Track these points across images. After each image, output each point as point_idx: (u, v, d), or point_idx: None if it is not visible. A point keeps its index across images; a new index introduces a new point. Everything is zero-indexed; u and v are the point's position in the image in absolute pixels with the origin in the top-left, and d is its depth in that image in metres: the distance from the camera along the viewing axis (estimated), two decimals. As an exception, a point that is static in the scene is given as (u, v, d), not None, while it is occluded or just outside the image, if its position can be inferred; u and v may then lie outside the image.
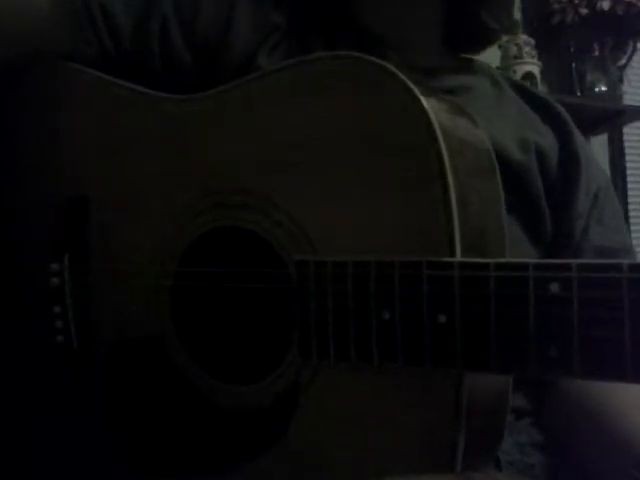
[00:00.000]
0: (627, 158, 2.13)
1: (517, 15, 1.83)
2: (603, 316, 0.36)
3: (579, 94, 1.94)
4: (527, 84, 1.67)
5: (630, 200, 2.07)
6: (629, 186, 2.10)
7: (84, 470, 0.60)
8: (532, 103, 0.72)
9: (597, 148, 2.06)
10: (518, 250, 0.58)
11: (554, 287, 0.38)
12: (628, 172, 2.12)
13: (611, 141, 2.12)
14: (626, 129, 2.12)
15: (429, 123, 0.44)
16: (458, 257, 0.42)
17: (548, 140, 0.68)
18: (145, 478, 0.57)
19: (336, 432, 0.47)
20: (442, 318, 0.41)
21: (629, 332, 0.35)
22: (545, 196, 0.65)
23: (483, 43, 0.75)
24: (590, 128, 1.94)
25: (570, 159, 0.68)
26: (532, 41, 1.83)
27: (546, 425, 0.64)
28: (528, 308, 0.39)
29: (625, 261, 0.36)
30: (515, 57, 1.81)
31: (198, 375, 0.54)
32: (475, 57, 0.76)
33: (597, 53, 1.94)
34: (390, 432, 0.46)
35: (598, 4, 1.80)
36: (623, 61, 1.98)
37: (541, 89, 1.84)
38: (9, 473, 0.63)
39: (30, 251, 0.65)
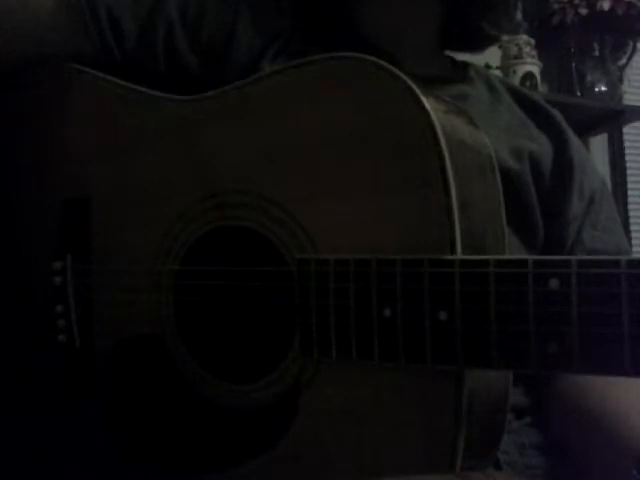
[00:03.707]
0: (627, 158, 2.13)
1: (517, 15, 1.83)
2: (602, 311, 0.37)
3: (579, 94, 1.94)
4: (525, 87, 1.68)
5: (630, 200, 2.06)
6: (629, 186, 2.09)
7: (85, 468, 0.61)
8: (528, 108, 0.72)
9: (597, 148, 2.06)
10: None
11: (553, 283, 0.38)
12: (628, 172, 2.12)
13: (611, 141, 2.12)
14: (626, 129, 2.12)
15: (430, 124, 0.44)
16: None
17: (542, 146, 0.68)
18: (146, 476, 0.57)
19: (336, 432, 0.48)
20: (443, 315, 0.41)
21: (627, 327, 0.36)
22: (539, 202, 0.66)
23: (482, 46, 0.75)
24: (590, 128, 1.94)
25: (564, 164, 0.68)
26: (532, 41, 1.82)
27: (545, 425, 0.64)
28: (528, 304, 0.39)
29: (623, 257, 0.36)
30: (515, 57, 1.81)
31: (199, 374, 0.54)
32: (474, 59, 0.76)
33: (597, 53, 1.94)
34: (390, 432, 0.46)
35: (598, 4, 1.80)
36: (623, 61, 1.98)
37: (541, 89, 1.84)
38: (9, 473, 0.63)
39: (32, 251, 0.65)
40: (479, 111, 0.66)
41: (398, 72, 0.46)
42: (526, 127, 0.70)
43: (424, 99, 0.45)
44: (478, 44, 0.75)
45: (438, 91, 0.63)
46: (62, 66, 0.64)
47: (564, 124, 0.71)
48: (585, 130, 1.89)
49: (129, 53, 0.65)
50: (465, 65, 0.75)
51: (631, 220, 2.02)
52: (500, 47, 1.81)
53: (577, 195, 0.67)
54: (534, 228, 0.66)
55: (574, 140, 0.70)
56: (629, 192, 2.08)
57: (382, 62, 0.47)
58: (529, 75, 1.80)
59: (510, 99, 0.72)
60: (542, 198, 0.66)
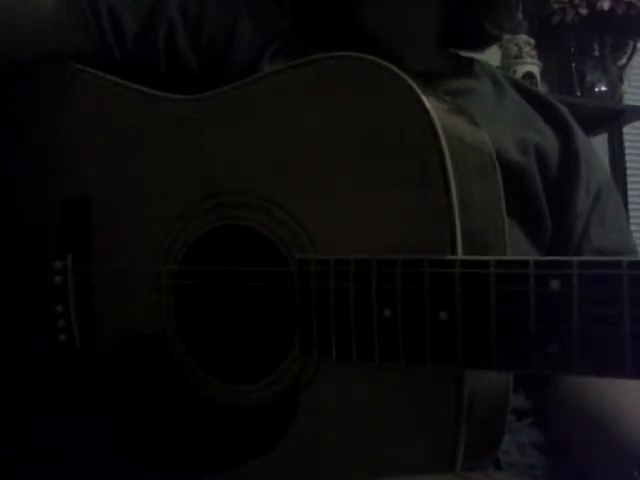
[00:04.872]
0: (627, 158, 2.13)
1: (517, 15, 1.83)
2: (603, 313, 0.37)
3: (579, 94, 1.94)
4: (528, 84, 1.67)
5: (630, 200, 2.07)
6: (629, 186, 2.10)
7: (85, 468, 0.61)
8: (533, 102, 0.72)
9: (597, 148, 2.05)
10: (518, 251, 0.58)
11: (554, 284, 0.38)
12: (628, 172, 2.12)
13: (611, 141, 2.12)
14: (626, 129, 2.12)
15: (431, 123, 0.44)
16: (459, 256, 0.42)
17: (549, 140, 0.68)
18: (146, 476, 0.57)
19: (336, 432, 0.47)
20: (443, 315, 0.41)
21: (628, 328, 0.36)
22: (545, 196, 0.65)
23: (483, 45, 0.75)
24: (590, 128, 1.94)
25: (570, 158, 0.68)
26: (532, 41, 1.82)
27: (546, 425, 0.64)
28: (529, 305, 0.39)
29: (625, 258, 0.36)
30: (515, 57, 1.81)
31: (199, 374, 0.54)
32: (476, 57, 0.76)
33: (597, 53, 1.94)
34: (390, 432, 0.46)
35: (598, 4, 1.80)
36: (623, 61, 1.98)
37: (541, 89, 1.84)
38: (10, 472, 0.63)
39: (32, 251, 0.65)
40: (484, 105, 0.66)
41: (399, 71, 0.46)
42: (532, 120, 0.70)
43: (424, 98, 0.45)
44: (479, 43, 0.75)
45: (443, 86, 0.63)
46: (62, 66, 0.64)
47: (570, 118, 0.71)
48: (585, 130, 1.88)
49: (129, 52, 0.65)
50: (470, 60, 0.75)
51: (631, 220, 2.02)
52: (500, 47, 1.81)
53: (584, 189, 0.67)
54: (541, 222, 0.65)
55: (580, 134, 0.70)
56: (629, 192, 2.08)
57: (383, 61, 0.47)
58: (529, 75, 1.80)
59: (515, 93, 0.72)
60: (549, 191, 0.66)
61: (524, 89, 0.74)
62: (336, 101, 0.49)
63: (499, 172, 0.50)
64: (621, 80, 1.98)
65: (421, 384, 0.44)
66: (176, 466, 0.55)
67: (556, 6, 1.85)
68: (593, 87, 1.93)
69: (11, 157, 0.66)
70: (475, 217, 0.45)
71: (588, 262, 0.38)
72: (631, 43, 1.96)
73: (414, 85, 0.45)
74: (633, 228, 2.02)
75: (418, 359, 0.43)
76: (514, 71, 1.78)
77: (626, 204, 2.01)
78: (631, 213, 2.02)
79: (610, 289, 0.36)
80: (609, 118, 1.95)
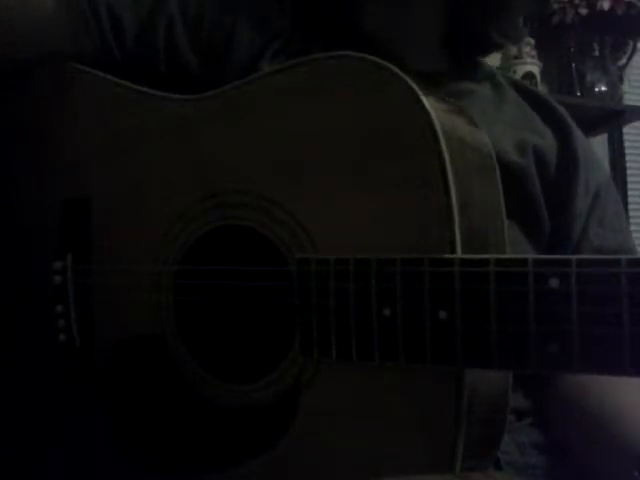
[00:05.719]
0: (627, 158, 2.13)
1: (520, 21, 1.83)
2: (602, 311, 0.37)
3: (579, 94, 1.94)
4: (528, 84, 1.68)
5: (630, 200, 2.07)
6: (629, 186, 2.10)
7: (85, 468, 0.61)
8: (533, 103, 0.72)
9: (597, 148, 2.06)
10: (517, 252, 0.58)
11: (554, 282, 0.38)
12: (628, 172, 2.12)
13: (611, 141, 2.12)
14: (626, 129, 2.12)
15: (430, 123, 0.44)
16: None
17: (547, 141, 0.68)
18: (146, 476, 0.57)
19: (336, 432, 0.48)
20: (443, 314, 0.41)
21: (628, 327, 0.36)
22: (544, 197, 0.65)
23: (485, 51, 0.75)
24: (590, 128, 1.94)
25: (569, 159, 0.68)
26: (532, 41, 1.83)
27: (546, 425, 0.64)
28: (528, 303, 0.39)
29: (624, 256, 0.36)
30: (515, 57, 1.81)
31: (199, 374, 0.54)
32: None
33: (597, 53, 1.94)
34: (390, 432, 0.46)
35: (598, 4, 1.80)
36: (623, 61, 1.98)
37: (541, 89, 1.84)
38: (10, 473, 0.63)
39: (32, 251, 0.65)
40: (484, 107, 0.66)
41: (399, 71, 0.46)
42: (531, 121, 0.70)
43: (424, 99, 0.45)
44: (482, 50, 0.75)
45: (442, 87, 0.63)
46: (62, 66, 0.64)
47: (568, 118, 0.71)
48: (585, 130, 1.88)
49: (129, 52, 0.65)
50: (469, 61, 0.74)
51: (631, 220, 2.02)
52: (500, 47, 1.81)
53: (583, 189, 0.67)
54: (539, 222, 0.65)
55: (578, 134, 0.70)
56: (629, 192, 2.08)
57: (383, 61, 0.47)
58: (529, 75, 1.80)
59: (515, 94, 0.72)
60: (547, 191, 0.66)
61: (523, 89, 0.74)
62: (336, 101, 0.49)
63: (498, 171, 0.50)
64: (621, 80, 1.98)
65: (421, 384, 0.44)
66: (176, 466, 0.55)
67: (556, 6, 1.85)
68: (593, 87, 1.93)
69: (11, 157, 0.66)
70: (475, 217, 0.45)
71: (587, 260, 0.38)
72: (631, 43, 1.96)
73: (414, 85, 0.45)
74: (633, 228, 2.02)
75: (418, 359, 0.43)
76: (514, 71, 1.78)
77: (626, 204, 2.01)
78: (631, 213, 2.02)
79: (609, 287, 0.36)
80: (609, 118, 1.96)
